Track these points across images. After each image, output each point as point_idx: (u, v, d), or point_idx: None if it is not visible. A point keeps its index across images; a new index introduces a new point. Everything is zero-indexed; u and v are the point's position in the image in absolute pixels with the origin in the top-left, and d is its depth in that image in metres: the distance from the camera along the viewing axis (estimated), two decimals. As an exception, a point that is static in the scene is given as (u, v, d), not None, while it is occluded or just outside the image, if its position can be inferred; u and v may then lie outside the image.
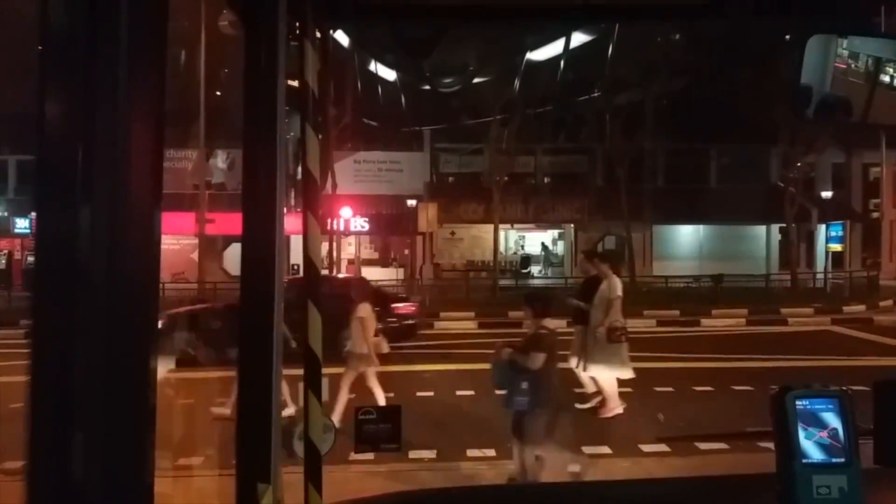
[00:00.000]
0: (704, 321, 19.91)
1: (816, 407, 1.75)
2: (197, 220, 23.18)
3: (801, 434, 1.72)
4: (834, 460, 1.71)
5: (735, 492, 2.09)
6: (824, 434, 1.73)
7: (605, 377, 9.05)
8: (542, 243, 35.81)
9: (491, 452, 7.59)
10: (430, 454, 7.47)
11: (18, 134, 24.17)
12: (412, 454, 7.18)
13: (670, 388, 10.65)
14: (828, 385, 1.81)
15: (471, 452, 7.62)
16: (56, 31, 0.77)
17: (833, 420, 1.74)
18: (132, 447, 0.80)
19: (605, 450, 7.64)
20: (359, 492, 2.00)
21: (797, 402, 1.74)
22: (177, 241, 26.77)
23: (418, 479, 6.50)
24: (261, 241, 1.78)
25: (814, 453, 1.72)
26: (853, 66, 1.89)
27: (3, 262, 29.45)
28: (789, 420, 1.73)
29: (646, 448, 7.49)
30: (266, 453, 1.75)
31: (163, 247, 0.88)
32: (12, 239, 30.03)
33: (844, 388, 1.79)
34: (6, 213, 31.21)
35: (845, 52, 1.88)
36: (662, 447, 7.24)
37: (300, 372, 1.80)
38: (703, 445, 6.73)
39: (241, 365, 1.77)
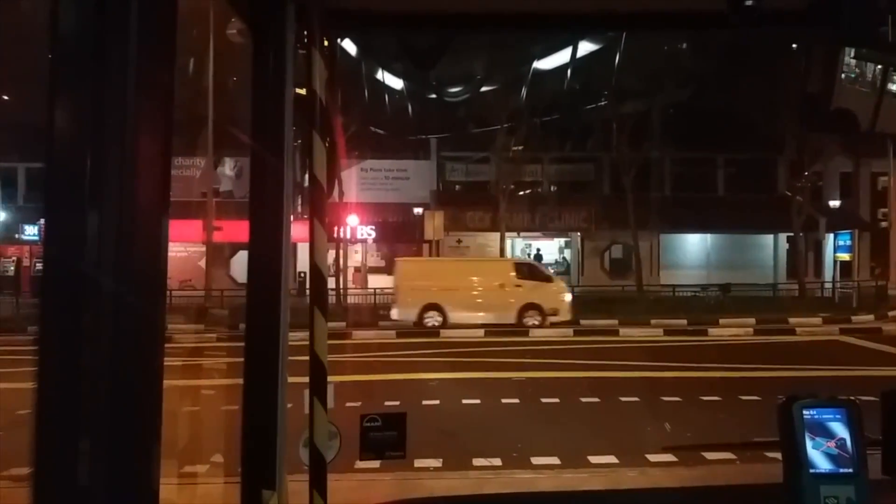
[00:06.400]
0: (712, 330, 19.82)
1: (824, 417, 1.74)
2: (204, 228, 23.25)
3: (809, 444, 1.71)
4: (841, 470, 1.70)
5: (742, 502, 2.08)
6: (832, 444, 1.72)
7: None
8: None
9: (497, 461, 7.56)
10: (436, 462, 7.45)
11: (28, 141, 24.32)
12: (418, 462, 7.16)
13: (678, 398, 10.60)
14: (835, 395, 1.80)
15: (477, 461, 7.59)
16: (66, 40, 0.77)
17: (840, 430, 1.73)
18: (138, 454, 0.80)
19: (612, 459, 7.61)
20: (364, 500, 2.00)
21: (804, 413, 1.74)
22: (184, 248, 26.86)
23: (424, 487, 6.47)
24: (267, 249, 1.79)
25: (821, 463, 1.71)
26: (860, 75, 1.89)
27: (12, 268, 29.59)
28: (796, 430, 1.72)
29: (652, 458, 7.44)
30: (271, 461, 1.75)
31: (170, 254, 0.89)
32: (21, 246, 30.17)
33: (852, 398, 1.78)
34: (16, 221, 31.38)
35: (853, 62, 1.88)
36: (669, 457, 7.19)
37: (306, 379, 1.80)
38: (710, 455, 6.68)
39: (246, 372, 1.78)
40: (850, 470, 1.70)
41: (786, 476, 1.74)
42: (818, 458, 1.70)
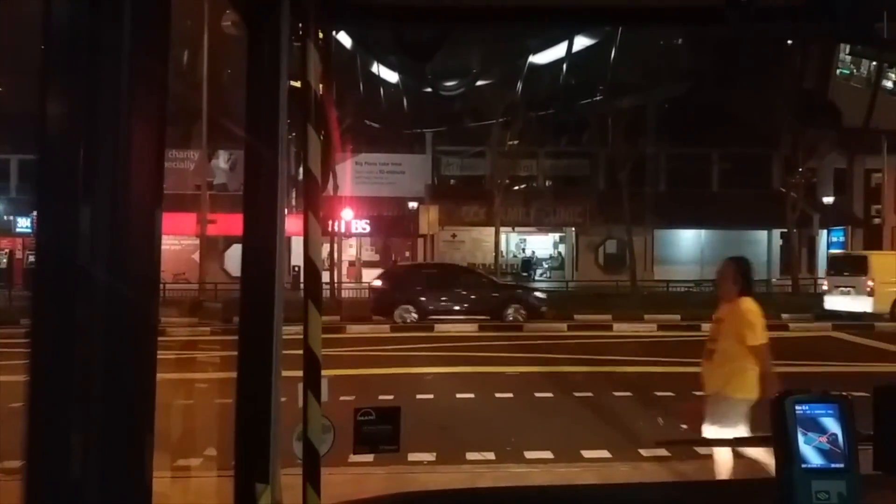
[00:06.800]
0: (706, 326, 19.81)
1: (816, 412, 1.74)
2: (198, 221, 23.19)
3: (801, 439, 1.72)
4: (833, 465, 1.71)
5: (734, 496, 2.09)
6: (824, 439, 1.73)
7: None
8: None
9: (491, 455, 7.58)
10: (429, 456, 7.46)
11: (21, 133, 24.21)
12: (411, 456, 7.16)
13: (671, 393, 10.64)
14: (828, 390, 1.81)
15: (470, 455, 7.61)
16: (59, 30, 0.77)
17: (833, 425, 1.73)
18: (131, 447, 0.80)
19: (605, 453, 7.63)
20: (357, 493, 2.00)
21: (797, 408, 1.74)
22: (178, 241, 26.81)
23: (418, 481, 6.48)
24: (261, 242, 1.78)
25: (813, 458, 1.71)
26: (855, 72, 1.90)
27: (5, 261, 29.51)
28: (789, 425, 1.73)
29: (645, 452, 7.47)
30: (265, 454, 1.75)
31: (164, 247, 0.88)
32: (14, 238, 30.08)
33: (844, 393, 1.79)
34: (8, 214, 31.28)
35: (848, 58, 1.89)
36: (662, 451, 7.22)
37: (300, 374, 1.79)
38: (702, 450, 6.72)
39: (240, 365, 1.77)
40: (842, 465, 1.71)
41: (778, 471, 1.75)
42: (810, 453, 1.71)
